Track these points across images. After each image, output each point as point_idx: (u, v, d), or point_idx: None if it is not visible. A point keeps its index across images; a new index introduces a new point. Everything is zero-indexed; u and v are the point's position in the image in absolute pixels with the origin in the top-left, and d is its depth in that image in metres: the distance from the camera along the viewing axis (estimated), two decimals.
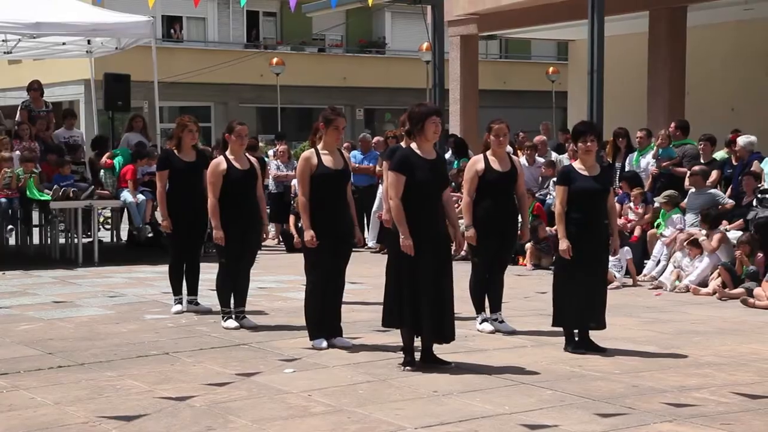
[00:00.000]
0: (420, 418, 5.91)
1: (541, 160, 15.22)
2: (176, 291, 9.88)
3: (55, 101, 24.47)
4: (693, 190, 12.72)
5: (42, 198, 13.93)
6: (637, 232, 12.92)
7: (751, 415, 6.05)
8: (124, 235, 16.24)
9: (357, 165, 15.67)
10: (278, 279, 12.34)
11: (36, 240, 15.69)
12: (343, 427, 5.77)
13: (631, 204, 13.15)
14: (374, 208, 15.42)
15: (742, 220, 12.04)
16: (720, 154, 13.93)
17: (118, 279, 12.49)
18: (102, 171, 15.15)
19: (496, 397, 6.43)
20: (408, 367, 7.21)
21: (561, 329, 8.01)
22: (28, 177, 13.93)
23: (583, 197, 7.85)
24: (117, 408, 6.20)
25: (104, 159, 15.27)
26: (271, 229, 16.47)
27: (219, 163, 8.87)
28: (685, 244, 11.84)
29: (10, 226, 14.19)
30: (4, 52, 17.55)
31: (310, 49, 38.48)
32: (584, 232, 7.82)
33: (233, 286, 8.94)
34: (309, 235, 7.78)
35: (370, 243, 15.47)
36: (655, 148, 13.94)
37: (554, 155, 15.65)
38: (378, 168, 15.12)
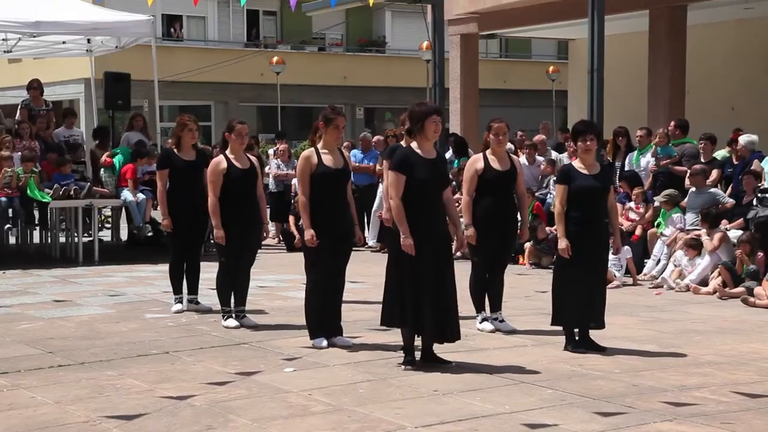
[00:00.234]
0: (420, 417, 5.91)
1: (541, 159, 15.22)
2: (176, 290, 9.88)
3: (56, 100, 24.50)
4: (693, 189, 12.72)
5: (43, 200, 13.93)
6: (637, 231, 12.91)
7: (751, 414, 6.05)
8: (123, 235, 16.24)
9: (357, 164, 15.67)
10: (278, 278, 12.34)
11: (36, 239, 15.69)
12: (344, 426, 5.77)
13: (632, 204, 13.15)
14: (374, 207, 15.42)
15: (742, 219, 12.04)
16: (721, 153, 13.93)
17: (119, 278, 12.49)
18: (102, 170, 15.15)
19: (496, 396, 6.43)
20: (408, 367, 7.21)
21: (561, 328, 8.01)
22: (28, 176, 13.93)
23: (583, 195, 7.85)
24: (117, 407, 6.20)
25: (104, 158, 15.28)
26: (272, 228, 16.48)
27: (219, 162, 8.87)
28: (682, 244, 11.86)
29: (7, 226, 14.17)
30: (4, 51, 17.55)
31: (310, 48, 38.49)
32: (584, 230, 7.82)
33: (233, 285, 8.94)
34: (309, 234, 7.78)
35: (371, 242, 15.47)
36: (653, 146, 13.94)
37: (554, 154, 15.65)
38: (378, 167, 15.12)
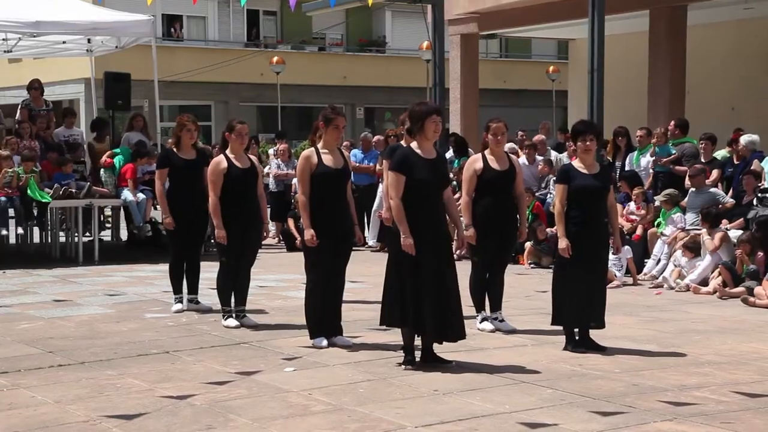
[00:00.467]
0: (420, 417, 5.91)
1: (540, 158, 15.22)
2: (176, 290, 9.88)
3: (56, 100, 24.50)
4: (693, 189, 12.72)
5: (43, 200, 13.93)
6: (638, 231, 12.91)
7: (751, 413, 6.05)
8: (123, 234, 16.24)
9: (357, 164, 15.67)
10: (278, 278, 12.34)
11: (36, 239, 15.70)
12: (344, 425, 5.77)
13: (632, 204, 13.15)
14: (374, 207, 15.43)
15: (742, 219, 12.04)
16: (721, 153, 13.93)
17: (119, 278, 12.49)
18: (102, 170, 15.16)
19: (496, 395, 6.43)
20: (408, 366, 7.21)
21: (561, 328, 8.01)
22: (29, 176, 13.93)
23: (583, 195, 7.86)
24: (117, 406, 6.20)
25: (104, 158, 15.28)
26: (272, 227, 16.48)
27: (219, 161, 8.87)
28: (678, 247, 11.87)
29: (4, 231, 14.17)
30: (5, 51, 17.56)
31: (310, 48, 38.50)
32: (584, 230, 7.82)
33: (234, 285, 8.94)
34: (309, 234, 7.79)
35: (371, 242, 15.48)
36: (653, 146, 13.94)
37: (554, 154, 15.65)
38: (378, 167, 15.12)
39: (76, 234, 14.25)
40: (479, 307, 8.77)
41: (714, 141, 13.66)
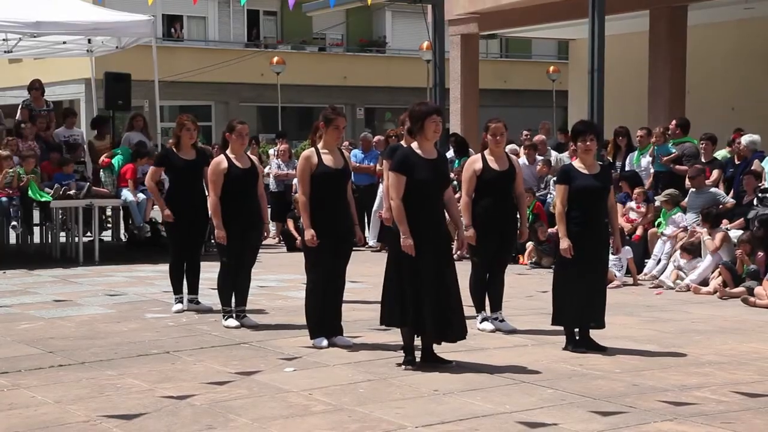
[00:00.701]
0: (420, 417, 5.91)
1: (540, 158, 15.22)
2: (177, 290, 9.88)
3: (56, 100, 24.45)
4: (693, 189, 12.72)
5: (43, 199, 13.93)
6: (638, 231, 12.91)
7: (751, 414, 6.05)
8: (122, 235, 16.24)
9: (357, 164, 15.67)
10: (279, 278, 12.34)
11: (36, 239, 15.70)
12: (344, 425, 5.77)
13: (633, 204, 13.14)
14: (375, 207, 15.43)
15: (742, 219, 12.04)
16: (721, 153, 13.92)
17: (119, 278, 12.49)
18: (101, 170, 15.16)
19: (496, 395, 6.43)
20: (408, 366, 7.21)
21: (561, 328, 8.01)
22: (30, 177, 13.92)
23: (584, 195, 7.86)
24: (118, 407, 6.21)
25: (103, 158, 15.28)
26: (272, 227, 16.49)
27: (220, 161, 8.87)
28: (678, 247, 11.87)
29: (12, 224, 14.16)
30: (5, 51, 17.56)
31: (310, 48, 38.49)
32: (585, 230, 7.82)
33: (234, 285, 8.94)
34: (309, 234, 7.79)
35: (371, 242, 15.48)
36: (652, 146, 13.94)
37: (554, 154, 15.65)
38: (378, 167, 15.12)
39: (77, 234, 14.24)
40: (479, 307, 8.77)
41: (714, 141, 13.66)
